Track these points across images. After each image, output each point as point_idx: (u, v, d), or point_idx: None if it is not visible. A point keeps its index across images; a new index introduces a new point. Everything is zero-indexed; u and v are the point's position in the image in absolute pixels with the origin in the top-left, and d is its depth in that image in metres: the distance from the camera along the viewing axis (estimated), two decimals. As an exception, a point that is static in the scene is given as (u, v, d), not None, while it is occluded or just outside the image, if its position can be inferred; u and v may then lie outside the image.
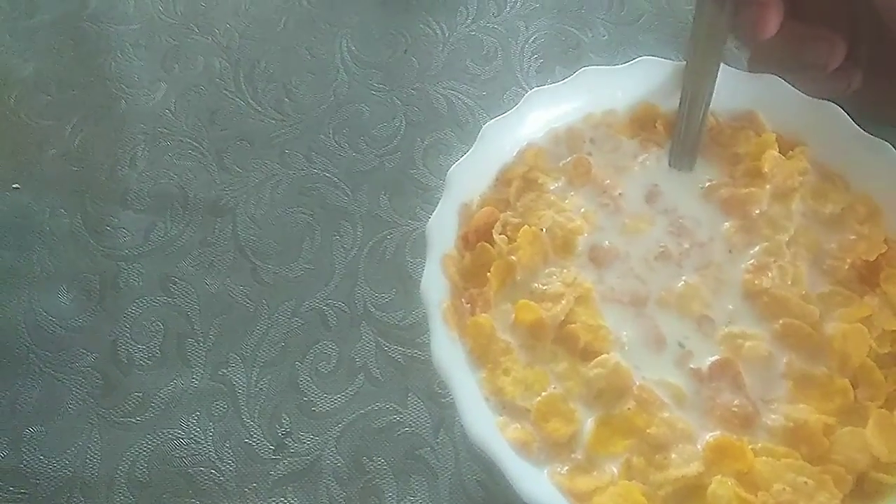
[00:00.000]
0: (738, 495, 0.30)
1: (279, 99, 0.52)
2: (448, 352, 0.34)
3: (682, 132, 0.40)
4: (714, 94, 0.40)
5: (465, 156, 0.39)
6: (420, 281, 0.36)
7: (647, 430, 0.32)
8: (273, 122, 0.51)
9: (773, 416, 0.33)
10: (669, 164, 0.40)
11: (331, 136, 0.50)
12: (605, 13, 0.55)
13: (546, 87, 0.41)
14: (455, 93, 0.52)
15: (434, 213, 0.37)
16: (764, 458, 0.32)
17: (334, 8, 0.56)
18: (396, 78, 0.53)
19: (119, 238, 0.46)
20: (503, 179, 0.40)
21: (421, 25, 0.55)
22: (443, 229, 0.38)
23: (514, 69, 0.53)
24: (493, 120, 0.40)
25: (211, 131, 0.50)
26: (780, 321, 0.35)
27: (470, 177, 0.39)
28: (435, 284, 0.36)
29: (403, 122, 0.51)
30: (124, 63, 0.53)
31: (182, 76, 0.53)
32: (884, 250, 0.36)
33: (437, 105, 0.51)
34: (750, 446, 0.32)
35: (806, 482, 0.31)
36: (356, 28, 0.55)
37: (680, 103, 0.40)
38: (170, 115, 0.51)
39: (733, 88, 0.41)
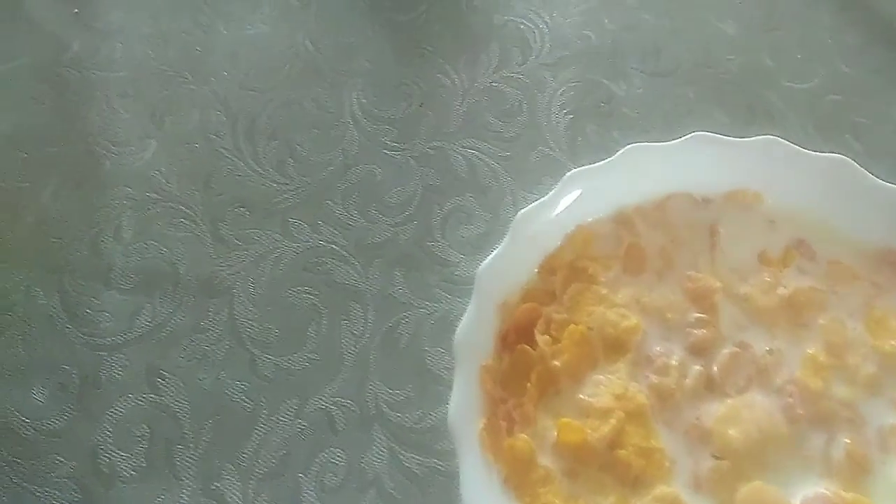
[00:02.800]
0: None
1: (282, 159, 0.47)
2: (480, 482, 0.30)
3: None
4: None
5: (496, 251, 0.35)
6: (441, 374, 0.31)
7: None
8: (275, 185, 0.46)
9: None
10: None
11: (339, 202, 0.45)
12: (640, 63, 0.50)
13: (586, 167, 0.37)
14: (476, 152, 0.47)
15: (462, 322, 0.33)
16: None
17: (343, 54, 0.51)
18: (411, 135, 0.48)
19: (101, 323, 0.41)
20: (547, 267, 0.36)
21: (438, 75, 0.50)
22: (475, 335, 0.33)
23: (540, 126, 0.48)
24: (527, 207, 0.36)
25: (205, 196, 0.45)
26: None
27: (504, 274, 0.35)
28: (466, 405, 0.31)
29: (420, 186, 0.46)
30: (110, 116, 0.48)
31: (174, 132, 0.47)
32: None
33: (456, 166, 0.46)
34: None
35: None
36: (367, 77, 0.50)
37: None
38: (159, 177, 0.46)
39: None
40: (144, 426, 0.38)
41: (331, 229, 0.44)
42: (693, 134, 0.37)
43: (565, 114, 0.48)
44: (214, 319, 0.41)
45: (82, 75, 0.50)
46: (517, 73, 0.50)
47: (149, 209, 0.45)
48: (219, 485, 0.37)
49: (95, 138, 0.47)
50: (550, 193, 0.36)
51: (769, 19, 0.52)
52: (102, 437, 0.38)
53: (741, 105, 0.48)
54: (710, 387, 0.32)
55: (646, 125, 0.48)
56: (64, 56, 0.50)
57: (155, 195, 0.45)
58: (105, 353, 0.40)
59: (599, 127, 0.48)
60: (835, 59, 0.50)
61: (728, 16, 0.52)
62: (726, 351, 0.34)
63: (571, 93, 0.49)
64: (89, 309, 0.41)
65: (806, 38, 0.51)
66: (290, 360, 0.40)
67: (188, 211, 0.44)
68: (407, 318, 0.41)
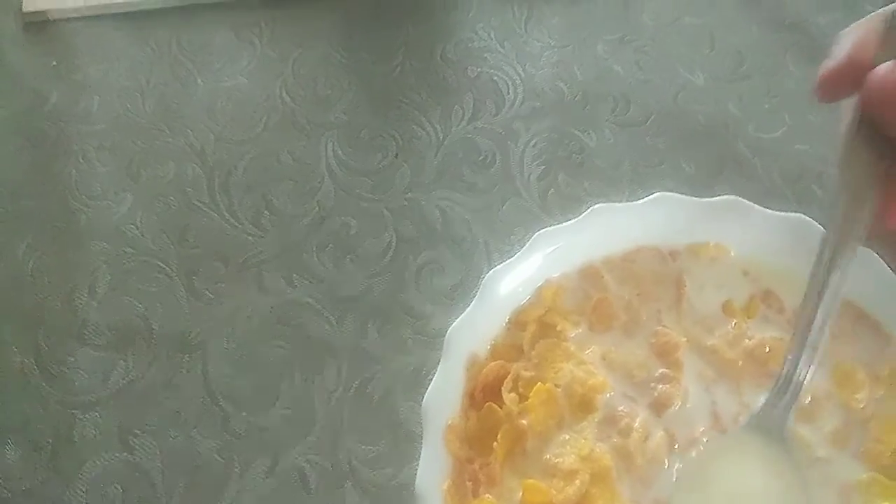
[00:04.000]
0: None
1: (258, 211, 0.47)
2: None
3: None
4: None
5: (465, 311, 0.35)
6: (413, 430, 0.31)
7: None
8: (250, 238, 0.46)
9: None
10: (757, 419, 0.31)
11: (314, 254, 0.46)
12: (610, 113, 0.51)
13: (554, 227, 0.37)
14: (450, 203, 0.48)
15: (431, 384, 0.33)
16: None
17: (320, 106, 0.51)
18: (387, 186, 0.48)
19: (75, 381, 0.41)
20: (517, 322, 0.36)
21: (413, 126, 0.51)
22: (444, 395, 0.33)
23: (513, 177, 0.49)
24: (496, 267, 0.36)
25: (181, 250, 0.45)
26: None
27: (473, 330, 0.35)
28: (433, 467, 0.31)
29: (394, 237, 0.46)
30: (86, 170, 0.48)
31: (150, 185, 0.48)
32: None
33: (430, 218, 0.47)
34: None
35: None
36: (343, 129, 0.51)
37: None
38: (135, 231, 0.46)
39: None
40: (117, 486, 0.38)
41: (305, 282, 0.45)
42: (656, 194, 0.38)
43: (537, 165, 0.49)
44: (187, 376, 0.41)
45: (60, 128, 0.50)
46: (491, 124, 0.51)
47: (124, 264, 0.45)
48: (191, 546, 0.37)
49: (72, 192, 0.48)
50: (519, 252, 0.36)
51: (737, 70, 0.54)
52: (76, 498, 0.38)
53: (709, 155, 0.50)
54: (671, 449, 0.33)
55: (616, 175, 0.49)
56: (42, 109, 0.51)
57: (130, 249, 0.45)
58: (79, 411, 0.40)
59: (571, 178, 0.49)
60: (802, 109, 0.51)
61: (698, 67, 0.54)
62: (689, 405, 0.34)
63: (543, 144, 0.50)
64: (64, 366, 0.42)
65: (773, 88, 0.53)
66: (262, 416, 0.40)
67: (163, 265, 0.45)
68: (380, 372, 0.42)
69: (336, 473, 0.39)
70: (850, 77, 0.34)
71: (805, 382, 0.30)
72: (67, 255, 0.45)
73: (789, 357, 0.30)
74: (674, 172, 0.49)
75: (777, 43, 0.55)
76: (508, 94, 0.52)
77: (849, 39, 0.35)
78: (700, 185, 0.48)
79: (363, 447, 0.40)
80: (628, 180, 0.49)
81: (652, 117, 0.51)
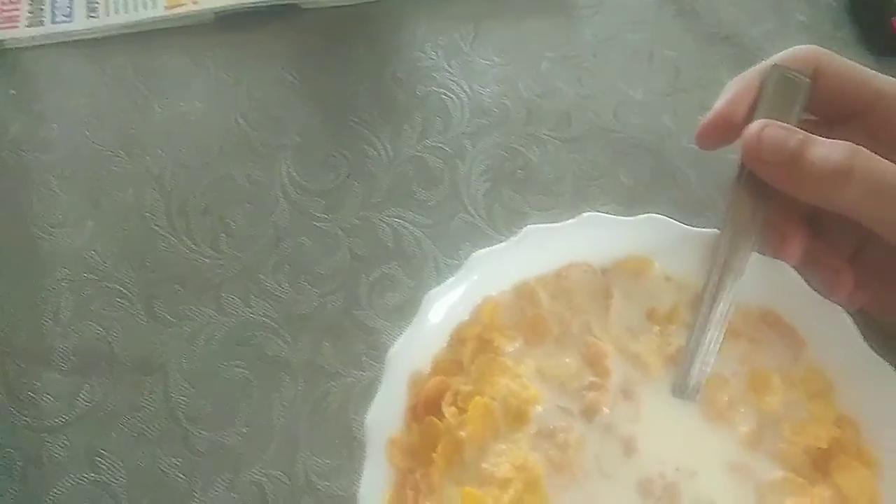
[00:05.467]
0: None
1: (215, 234, 0.49)
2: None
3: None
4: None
5: (404, 334, 0.37)
6: (364, 441, 0.34)
7: None
8: (208, 261, 0.48)
9: None
10: (674, 392, 0.37)
11: (270, 275, 0.48)
12: (553, 129, 0.54)
13: (489, 249, 0.40)
14: (401, 221, 0.50)
15: (373, 402, 0.35)
16: None
17: (274, 128, 0.53)
18: (339, 206, 0.50)
19: (43, 406, 0.43)
20: (457, 338, 0.38)
21: (364, 146, 0.53)
22: (386, 410, 0.36)
23: (460, 194, 0.51)
24: (433, 290, 0.39)
25: (140, 275, 0.47)
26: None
27: (415, 349, 0.37)
28: (375, 479, 0.34)
29: (347, 255, 0.49)
30: (47, 198, 0.50)
31: (109, 211, 0.50)
32: (836, 434, 0.35)
33: (382, 236, 0.49)
34: None
35: None
36: (297, 150, 0.53)
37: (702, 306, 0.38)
38: (96, 257, 0.48)
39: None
40: (85, 505, 0.41)
41: (262, 302, 0.47)
42: (585, 214, 0.40)
43: (484, 181, 0.52)
44: (150, 397, 0.43)
45: (20, 157, 0.52)
46: (439, 142, 0.53)
47: (86, 290, 0.47)
48: (156, 560, 0.39)
49: (34, 220, 0.49)
50: (456, 275, 0.39)
51: (674, 83, 0.56)
52: (45, 519, 0.40)
53: (646, 167, 0.52)
54: (601, 453, 0.36)
55: (558, 190, 0.51)
56: (3, 139, 0.52)
57: (92, 275, 0.47)
58: (47, 435, 0.42)
59: (515, 193, 0.51)
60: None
61: (637, 81, 0.56)
62: (616, 410, 0.37)
63: (489, 160, 0.52)
64: (31, 391, 0.43)
65: (706, 100, 0.55)
66: (222, 434, 0.43)
67: (123, 290, 0.47)
68: (335, 387, 0.44)
69: (294, 486, 0.41)
70: (723, 131, 0.39)
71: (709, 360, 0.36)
72: (31, 282, 0.47)
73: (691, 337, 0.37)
74: (613, 185, 0.52)
75: (712, 55, 0.58)
76: (456, 112, 0.55)
77: (727, 93, 0.39)
78: (638, 197, 0.51)
79: (319, 460, 0.42)
80: (570, 194, 0.51)
81: (592, 131, 0.54)
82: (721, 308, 0.37)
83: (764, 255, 0.39)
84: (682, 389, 0.36)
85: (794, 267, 0.38)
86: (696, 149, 0.53)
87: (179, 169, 0.51)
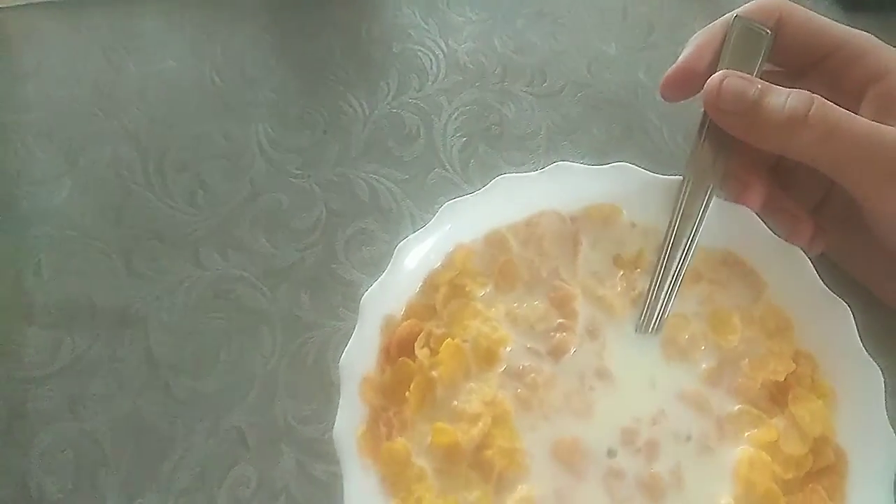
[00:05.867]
0: None
1: (192, 190, 0.50)
2: (359, 484, 0.34)
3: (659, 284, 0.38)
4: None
5: (378, 280, 0.38)
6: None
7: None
8: (185, 216, 0.49)
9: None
10: (637, 328, 0.38)
11: (247, 230, 0.48)
12: (528, 85, 0.54)
13: (461, 198, 0.40)
14: (377, 177, 0.51)
15: (349, 343, 0.36)
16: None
17: (249, 86, 0.54)
18: (316, 162, 0.51)
19: (25, 358, 0.44)
20: (430, 285, 0.39)
21: (340, 103, 0.53)
22: (360, 354, 0.37)
23: (436, 149, 0.52)
24: (407, 238, 0.39)
25: (119, 231, 0.48)
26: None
27: (388, 294, 0.38)
28: (350, 416, 0.35)
29: (324, 211, 0.49)
30: (26, 157, 0.50)
31: (87, 169, 0.50)
32: (793, 369, 0.36)
33: (358, 191, 0.50)
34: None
35: None
36: (272, 107, 0.53)
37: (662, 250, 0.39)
38: (75, 214, 0.48)
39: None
40: (70, 451, 0.41)
41: (240, 256, 0.47)
42: (555, 164, 0.41)
43: (459, 137, 0.52)
44: (130, 348, 0.44)
45: (-2, 118, 0.52)
46: (415, 98, 0.54)
47: (66, 246, 0.47)
48: (141, 501, 0.40)
49: (13, 179, 0.50)
50: (429, 224, 0.39)
51: (647, 39, 0.57)
52: (30, 465, 0.41)
53: (619, 122, 0.53)
54: (568, 390, 0.37)
55: (532, 145, 0.52)
56: (-21, 100, 0.53)
57: (71, 232, 0.48)
58: (31, 386, 0.43)
59: (490, 148, 0.52)
60: (706, 74, 0.55)
61: (611, 37, 0.57)
62: (583, 349, 0.38)
63: (465, 116, 0.53)
64: (14, 345, 0.44)
65: (679, 55, 0.56)
66: (202, 383, 0.43)
67: (103, 245, 0.47)
68: (313, 337, 0.45)
69: (273, 431, 0.42)
70: (686, 82, 0.40)
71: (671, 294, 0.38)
72: (11, 239, 0.47)
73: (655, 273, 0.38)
74: (586, 139, 0.52)
75: (685, 11, 0.58)
76: (432, 69, 0.55)
77: (691, 45, 0.40)
78: (611, 150, 0.52)
79: (298, 406, 0.43)
80: (544, 149, 0.52)
81: (566, 87, 0.54)
82: (682, 250, 0.38)
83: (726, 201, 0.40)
84: (644, 325, 0.38)
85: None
86: (668, 105, 0.54)
87: (156, 127, 0.52)
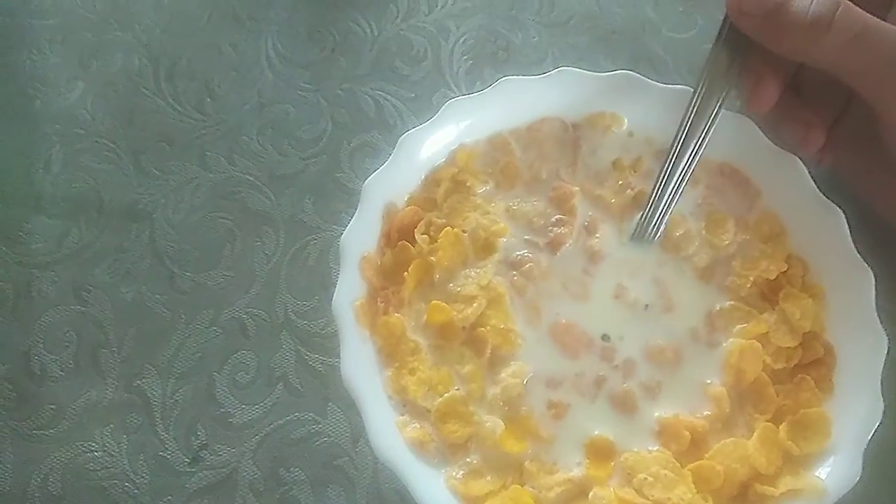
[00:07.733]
0: (617, 496, 0.32)
1: (201, 98, 0.50)
2: (357, 352, 0.35)
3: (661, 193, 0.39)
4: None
5: (381, 167, 0.39)
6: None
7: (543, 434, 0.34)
8: (193, 122, 0.49)
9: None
10: (632, 236, 0.39)
11: (254, 137, 0.49)
12: (536, 14, 0.55)
13: (465, 97, 0.41)
14: (383, 94, 0.51)
15: (349, 225, 0.37)
16: (635, 451, 0.34)
17: (260, 3, 0.54)
18: (323, 78, 0.52)
19: (32, 244, 0.45)
20: (432, 179, 0.40)
21: (350, 23, 0.54)
22: (361, 234, 0.38)
23: (443, 71, 0.52)
24: (411, 130, 0.40)
25: (129, 132, 0.49)
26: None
27: (391, 183, 0.39)
28: (349, 288, 0.36)
29: (330, 123, 0.50)
30: (39, 60, 0.51)
31: (100, 74, 0.51)
32: (784, 268, 0.37)
33: (364, 107, 0.51)
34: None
35: (666, 474, 0.32)
36: (283, 25, 0.54)
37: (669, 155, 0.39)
38: (86, 115, 0.49)
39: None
40: (72, 333, 0.42)
41: (246, 161, 0.48)
42: (560, 68, 0.42)
43: (466, 60, 0.53)
44: (136, 241, 0.45)
45: (14, 22, 0.53)
46: (424, 22, 0.54)
47: (76, 143, 0.48)
48: (140, 383, 0.41)
49: (26, 80, 0.50)
50: (432, 119, 0.40)
51: (655, -25, 0.57)
52: (34, 343, 0.42)
53: (626, 53, 0.54)
54: (563, 280, 0.38)
55: (538, 71, 0.52)
56: (-5, 4, 0.53)
57: (82, 131, 0.49)
58: (36, 271, 0.44)
59: (496, 71, 0.52)
60: (713, 10, 0.55)
61: (619, -28, 0.57)
62: (580, 243, 0.39)
63: (472, 41, 0.54)
64: (21, 232, 0.45)
65: (688, -7, 0.56)
66: (206, 276, 0.44)
67: (112, 145, 0.48)
68: (315, 239, 0.46)
69: (273, 323, 0.43)
70: None
71: (672, 199, 0.38)
72: (23, 135, 0.48)
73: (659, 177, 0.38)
74: (592, 68, 0.52)
75: (695, -50, 0.59)
76: (441, -6, 0.56)
77: None
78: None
79: (298, 302, 0.44)
80: (549, 74, 0.52)
81: (574, 18, 0.55)
82: (686, 159, 0.39)
83: (737, 104, 0.40)
84: (642, 233, 0.38)
85: (767, 117, 0.39)
86: (675, 37, 0.55)
87: (168, 38, 0.53)
